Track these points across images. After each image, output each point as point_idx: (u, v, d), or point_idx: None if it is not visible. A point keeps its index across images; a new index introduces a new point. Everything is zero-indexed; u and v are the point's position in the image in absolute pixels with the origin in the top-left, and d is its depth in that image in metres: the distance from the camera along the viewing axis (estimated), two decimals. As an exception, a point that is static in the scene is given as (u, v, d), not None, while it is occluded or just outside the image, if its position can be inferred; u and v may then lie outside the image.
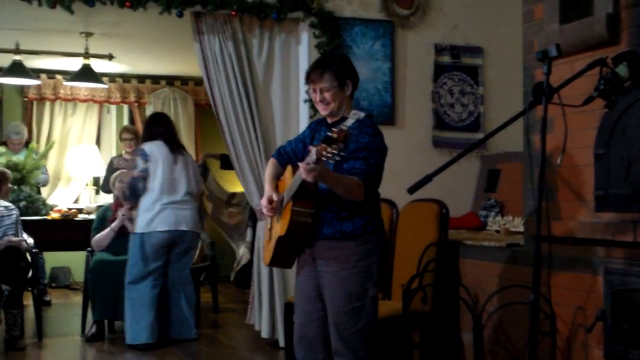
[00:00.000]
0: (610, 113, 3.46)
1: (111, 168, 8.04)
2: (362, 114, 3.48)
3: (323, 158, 2.97)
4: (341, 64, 3.52)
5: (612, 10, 3.58)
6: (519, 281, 4.19)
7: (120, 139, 8.18)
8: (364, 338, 3.47)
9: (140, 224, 5.97)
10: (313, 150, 3.01)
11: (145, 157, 6.00)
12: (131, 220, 6.37)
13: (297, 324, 3.66)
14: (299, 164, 3.14)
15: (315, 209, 3.39)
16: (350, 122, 3.40)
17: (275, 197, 3.51)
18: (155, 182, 5.99)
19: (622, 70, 3.14)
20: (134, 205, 6.12)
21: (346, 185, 3.29)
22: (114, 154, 9.95)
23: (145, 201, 5.99)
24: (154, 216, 5.93)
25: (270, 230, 3.71)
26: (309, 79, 3.53)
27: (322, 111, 3.55)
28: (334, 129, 2.96)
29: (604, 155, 3.58)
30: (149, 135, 6.16)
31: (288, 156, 3.69)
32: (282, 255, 3.57)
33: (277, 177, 3.68)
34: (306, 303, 3.59)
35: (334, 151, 2.92)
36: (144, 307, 5.90)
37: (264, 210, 3.58)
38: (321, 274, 3.50)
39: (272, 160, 3.76)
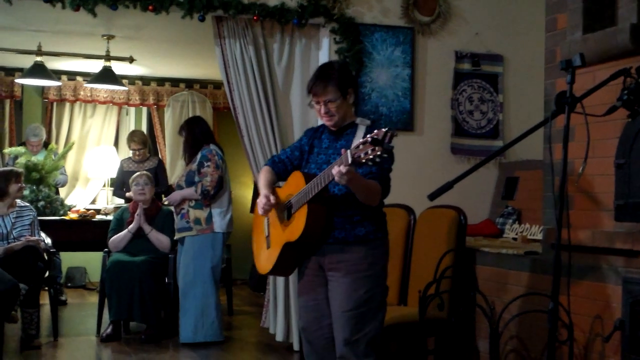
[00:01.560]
0: (632, 123, 3.47)
1: (122, 171, 8.06)
2: (367, 121, 3.56)
3: (362, 161, 2.98)
4: (341, 74, 3.54)
5: (637, 20, 3.59)
6: (537, 289, 4.20)
7: (130, 147, 8.20)
8: (370, 344, 3.47)
9: (222, 224, 6.13)
10: (348, 153, 3.03)
11: (221, 157, 6.20)
12: (146, 220, 6.48)
13: (308, 331, 3.64)
14: (333, 167, 3.14)
15: (329, 213, 3.42)
16: (360, 128, 3.47)
17: (271, 198, 3.50)
18: (226, 184, 6.22)
19: (646, 81, 3.14)
20: (210, 204, 6.12)
21: (370, 189, 3.35)
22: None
23: (223, 201, 6.17)
24: (231, 217, 6.20)
25: (268, 238, 3.69)
26: (311, 91, 3.54)
27: (327, 122, 3.57)
28: (376, 131, 2.95)
29: (624, 165, 3.58)
30: (208, 137, 6.28)
31: (283, 164, 3.70)
32: (285, 263, 3.56)
33: (272, 184, 3.66)
34: (315, 310, 3.58)
35: (377, 153, 2.94)
36: (214, 306, 6.14)
37: (263, 205, 3.54)
38: (330, 279, 3.51)
39: (266, 168, 3.73)
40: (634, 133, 3.52)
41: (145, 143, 8.14)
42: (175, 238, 6.29)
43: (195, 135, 6.23)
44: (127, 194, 7.87)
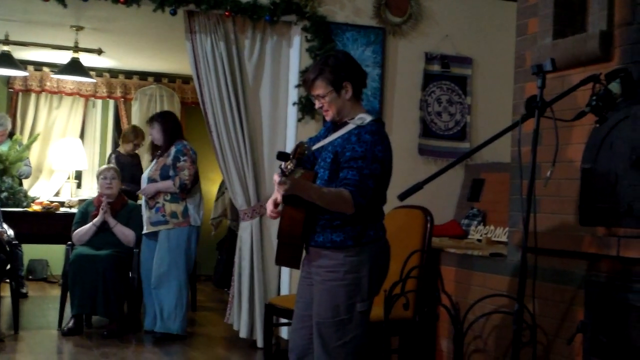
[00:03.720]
0: (599, 128, 3.51)
1: (119, 163, 8.00)
2: (367, 119, 3.36)
3: (286, 172, 2.98)
4: (334, 68, 3.37)
5: (606, 27, 3.64)
6: (501, 290, 4.24)
7: (128, 140, 8.17)
8: (351, 353, 3.34)
9: (197, 217, 6.23)
10: (283, 164, 2.99)
11: (195, 152, 6.28)
12: (112, 214, 6.45)
13: (291, 329, 3.59)
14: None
15: (308, 216, 3.29)
16: (349, 127, 3.34)
17: (280, 201, 3.37)
18: (198, 177, 6.33)
19: (615, 87, 3.19)
20: (185, 197, 6.17)
21: (327, 199, 3.21)
22: (97, 148, 9.95)
23: (197, 195, 6.28)
24: (200, 210, 6.30)
25: None
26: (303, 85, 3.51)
27: (326, 117, 3.48)
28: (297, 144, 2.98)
29: (590, 170, 3.63)
30: (180, 133, 6.39)
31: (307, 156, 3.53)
32: (285, 255, 3.44)
33: None
34: (302, 309, 3.50)
35: (290, 166, 2.95)
36: (186, 298, 6.24)
37: (268, 213, 3.46)
38: (313, 282, 3.42)
39: None
40: (601, 138, 3.57)
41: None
42: (148, 231, 6.23)
43: (169, 129, 6.28)
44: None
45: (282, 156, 2.98)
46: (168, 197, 6.13)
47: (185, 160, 6.11)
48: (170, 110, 9.76)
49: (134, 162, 8.34)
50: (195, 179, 6.23)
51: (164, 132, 6.28)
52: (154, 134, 6.35)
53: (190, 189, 6.16)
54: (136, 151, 8.36)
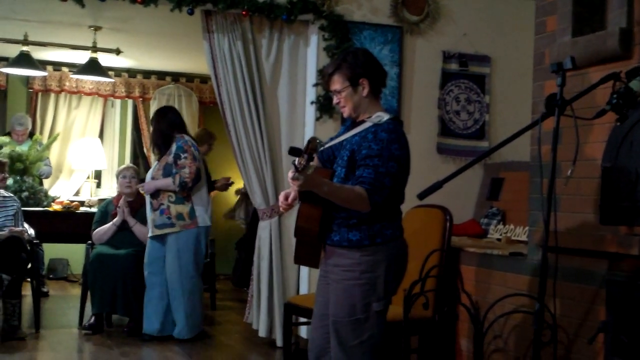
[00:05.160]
0: (620, 127, 3.48)
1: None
2: (385, 117, 3.32)
3: (299, 168, 2.95)
4: (352, 63, 3.35)
5: (626, 24, 3.61)
6: (521, 290, 4.22)
7: (203, 142, 8.20)
8: (367, 352, 3.33)
9: (205, 218, 6.05)
10: (297, 159, 2.97)
11: (197, 148, 6.10)
12: (131, 213, 6.45)
13: (312, 326, 3.58)
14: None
15: (325, 214, 3.28)
16: (366, 125, 3.31)
17: (292, 195, 3.37)
18: (203, 174, 6.12)
19: (636, 84, 3.15)
20: (187, 196, 5.97)
21: (342, 195, 3.19)
22: (116, 148, 10.00)
23: (203, 195, 6.08)
24: (211, 210, 6.16)
25: None
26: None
27: (343, 113, 3.46)
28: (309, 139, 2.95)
29: (611, 169, 3.60)
30: (176, 128, 6.10)
31: (327, 154, 3.50)
32: (303, 254, 3.44)
33: None
34: (320, 308, 3.48)
35: (302, 162, 2.93)
36: (200, 300, 6.14)
37: (279, 205, 3.45)
38: (329, 281, 3.41)
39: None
40: (622, 137, 3.54)
41: None
42: (153, 234, 6.03)
43: (161, 128, 6.07)
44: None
45: (294, 151, 2.95)
46: (173, 199, 5.93)
47: (186, 158, 5.89)
48: (188, 110, 9.82)
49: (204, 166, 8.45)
50: (198, 177, 5.97)
51: (159, 131, 6.07)
52: (151, 134, 6.25)
53: (192, 187, 5.93)
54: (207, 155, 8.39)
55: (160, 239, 6.02)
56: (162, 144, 6.07)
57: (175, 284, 5.99)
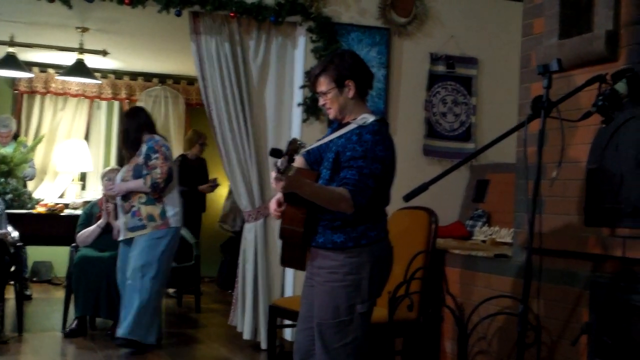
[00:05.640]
0: (605, 129, 3.49)
1: (187, 166, 8.17)
2: (370, 119, 3.30)
3: (281, 169, 2.94)
4: (338, 65, 3.35)
5: (612, 27, 3.62)
6: (506, 292, 4.23)
7: (193, 142, 8.35)
8: (352, 354, 3.32)
9: (177, 218, 5.76)
10: (279, 160, 2.95)
11: (168, 148, 5.85)
12: (115, 215, 6.35)
13: (297, 328, 3.57)
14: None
15: (309, 216, 3.27)
16: (351, 127, 3.30)
17: (278, 196, 3.35)
18: (175, 175, 5.85)
19: (621, 87, 3.17)
20: (159, 197, 5.70)
21: (325, 197, 3.18)
22: (102, 150, 9.95)
23: (175, 196, 5.78)
24: (180, 211, 5.81)
25: None
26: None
27: (328, 115, 3.46)
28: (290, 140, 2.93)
29: (596, 170, 3.61)
30: (144, 130, 5.85)
31: (314, 155, 3.52)
32: (289, 256, 3.42)
33: None
34: (306, 310, 3.48)
35: (284, 163, 2.92)
36: (157, 304, 5.80)
37: (271, 211, 3.41)
38: (314, 283, 3.40)
39: (299, 159, 3.51)
40: (607, 139, 3.55)
41: None
42: (125, 237, 5.80)
43: (130, 128, 5.84)
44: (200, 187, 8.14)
45: (275, 153, 2.93)
46: (143, 200, 5.68)
47: (157, 158, 5.63)
48: (175, 111, 9.81)
49: (201, 166, 8.49)
50: (170, 177, 5.69)
51: (128, 131, 5.84)
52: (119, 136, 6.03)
53: (164, 188, 5.67)
54: (202, 155, 8.46)
55: (132, 242, 5.78)
56: (131, 145, 5.85)
57: (134, 282, 5.66)
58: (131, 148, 5.86)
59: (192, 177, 8.10)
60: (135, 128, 5.81)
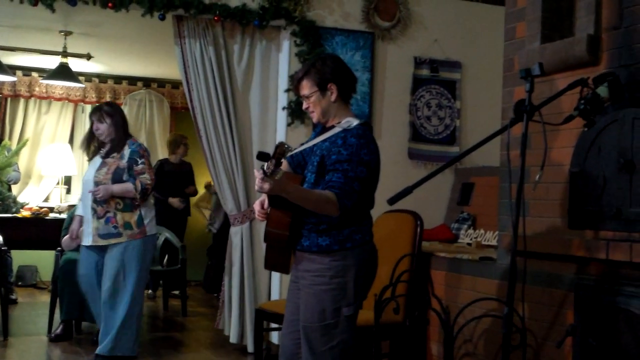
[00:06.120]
0: (587, 132, 3.53)
1: (163, 171, 8.15)
2: (354, 122, 3.33)
3: (268, 173, 2.93)
4: (320, 69, 3.37)
5: (593, 31, 3.66)
6: (491, 294, 4.25)
7: (177, 145, 8.35)
8: (338, 357, 3.33)
9: (153, 224, 5.44)
10: (266, 164, 2.95)
11: (149, 153, 5.60)
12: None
13: (282, 332, 3.58)
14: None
15: (295, 219, 3.28)
16: (336, 131, 3.32)
17: (267, 202, 3.36)
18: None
19: (603, 91, 3.20)
20: (137, 204, 5.36)
21: (311, 200, 3.18)
22: (86, 153, 9.90)
23: (150, 201, 5.49)
24: (154, 218, 5.54)
25: None
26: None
27: (312, 118, 3.47)
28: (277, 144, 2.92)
29: (579, 173, 3.64)
30: (128, 130, 5.59)
31: (297, 159, 3.54)
32: (273, 259, 3.43)
33: None
34: (291, 313, 3.48)
35: (270, 167, 2.92)
36: (138, 317, 5.49)
37: (256, 214, 3.41)
38: (300, 287, 3.41)
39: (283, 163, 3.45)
40: (589, 142, 3.58)
41: None
42: (95, 244, 5.34)
43: (120, 125, 5.46)
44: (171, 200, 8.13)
45: (262, 156, 2.93)
46: (121, 206, 5.29)
47: (144, 163, 5.35)
48: (160, 115, 9.79)
49: (183, 171, 8.46)
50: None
51: (116, 127, 5.42)
52: (102, 128, 5.40)
53: (150, 194, 5.42)
54: (185, 158, 8.47)
55: (100, 249, 5.38)
56: (117, 145, 5.43)
57: (113, 294, 5.31)
58: (114, 150, 5.43)
59: (169, 184, 8.09)
60: (122, 128, 5.47)
